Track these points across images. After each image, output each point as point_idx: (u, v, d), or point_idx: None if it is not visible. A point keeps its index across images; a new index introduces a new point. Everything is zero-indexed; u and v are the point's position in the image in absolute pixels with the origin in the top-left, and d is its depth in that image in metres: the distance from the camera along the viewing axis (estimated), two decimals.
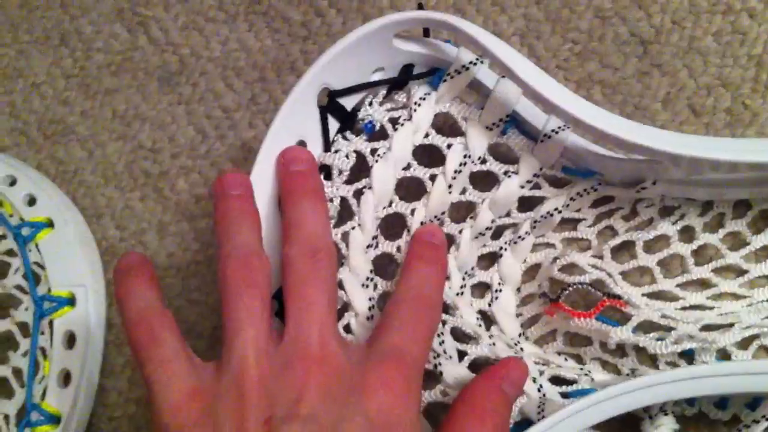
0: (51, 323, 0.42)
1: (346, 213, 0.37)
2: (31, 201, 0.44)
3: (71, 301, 0.42)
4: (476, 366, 0.36)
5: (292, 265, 0.33)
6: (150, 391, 0.31)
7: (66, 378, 0.42)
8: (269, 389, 0.30)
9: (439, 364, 0.34)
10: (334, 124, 0.37)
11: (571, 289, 0.37)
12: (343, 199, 0.37)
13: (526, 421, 0.34)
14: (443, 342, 0.35)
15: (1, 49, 0.51)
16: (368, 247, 0.37)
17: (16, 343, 0.42)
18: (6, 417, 0.42)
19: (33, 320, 0.42)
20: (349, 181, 0.37)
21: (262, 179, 0.35)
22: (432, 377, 0.35)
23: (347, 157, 0.37)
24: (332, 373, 0.30)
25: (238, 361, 0.30)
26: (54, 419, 0.41)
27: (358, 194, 0.37)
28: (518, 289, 0.40)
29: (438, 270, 0.36)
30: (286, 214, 0.35)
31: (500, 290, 0.39)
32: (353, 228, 0.36)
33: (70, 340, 0.42)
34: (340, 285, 0.36)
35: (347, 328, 0.36)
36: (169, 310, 0.33)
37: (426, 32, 0.37)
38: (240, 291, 0.32)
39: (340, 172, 0.36)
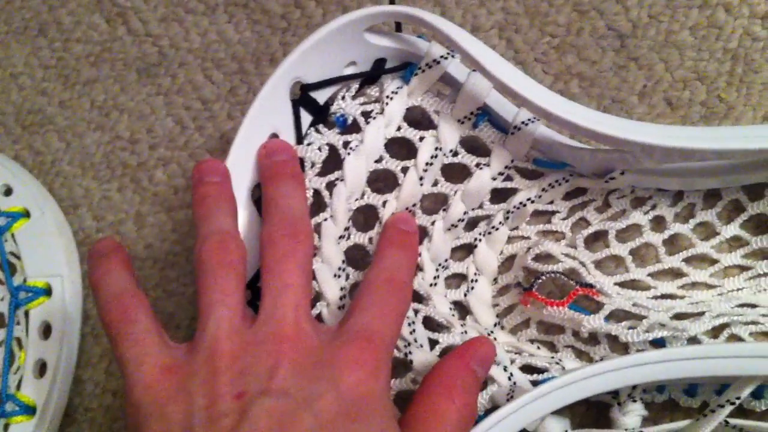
0: (27, 313, 0.42)
1: (318, 205, 0.37)
2: (8, 191, 0.44)
3: (47, 292, 0.42)
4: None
5: (273, 244, 0.33)
6: (123, 369, 0.31)
7: (42, 368, 0.42)
8: (242, 365, 0.30)
9: (410, 352, 0.35)
10: (307, 118, 0.37)
11: (544, 278, 0.37)
12: (316, 191, 0.37)
13: (496, 409, 0.34)
14: (414, 331, 0.36)
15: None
16: (340, 238, 0.37)
17: None
18: None
19: (8, 310, 0.42)
20: (321, 174, 0.37)
21: (236, 170, 0.36)
22: (402, 365, 0.35)
23: (320, 149, 0.37)
24: (305, 350, 0.31)
25: (211, 338, 0.31)
26: (29, 410, 0.41)
27: (330, 186, 0.37)
28: (495, 280, 0.40)
29: (409, 255, 0.36)
30: (268, 196, 0.35)
31: (476, 280, 0.39)
32: (325, 219, 0.37)
33: (46, 330, 0.42)
34: (313, 275, 0.36)
35: (319, 317, 0.36)
36: (143, 292, 0.34)
37: (398, 26, 0.38)
38: (215, 271, 0.32)
39: (313, 165, 0.37)
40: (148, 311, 0.33)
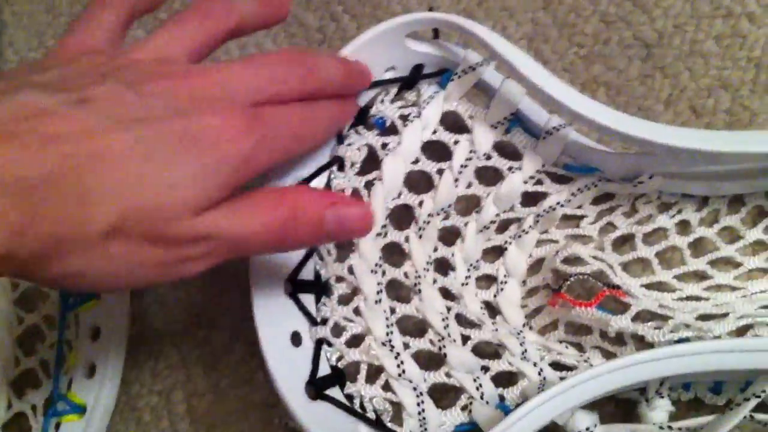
0: (77, 317, 0.43)
1: None
2: None
3: (96, 295, 0.43)
4: (479, 350, 0.37)
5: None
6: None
7: (91, 369, 0.43)
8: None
9: (444, 346, 0.36)
10: None
11: (572, 279, 0.38)
12: (355, 190, 0.38)
13: None
14: (447, 326, 0.37)
15: (27, 54, 0.53)
16: (377, 235, 0.39)
17: (43, 335, 0.44)
18: (33, 407, 0.43)
19: (59, 313, 0.43)
20: (360, 173, 0.39)
21: (279, 167, 0.37)
22: (437, 359, 0.37)
23: (359, 150, 0.38)
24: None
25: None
26: (80, 409, 0.42)
27: (368, 185, 0.39)
28: (523, 282, 0.41)
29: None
30: None
31: (506, 282, 0.40)
32: None
33: (95, 333, 0.43)
34: (350, 270, 0.37)
35: (357, 311, 0.37)
36: None
37: (436, 34, 0.39)
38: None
39: (353, 164, 0.38)
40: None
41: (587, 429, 0.34)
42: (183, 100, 0.29)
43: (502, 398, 0.36)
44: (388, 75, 0.39)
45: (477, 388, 0.36)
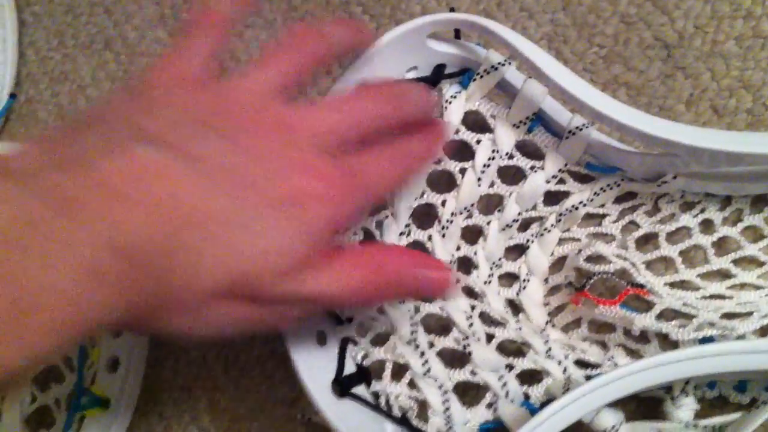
0: None
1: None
2: None
3: None
4: (503, 348, 0.37)
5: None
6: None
7: (114, 364, 0.43)
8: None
9: (468, 345, 0.36)
10: None
11: (596, 278, 0.39)
12: None
13: (552, 401, 0.35)
14: (472, 324, 0.37)
15: (48, 54, 0.54)
16: (401, 234, 0.39)
17: None
18: (57, 401, 0.43)
19: None
20: None
21: None
22: (461, 357, 0.37)
23: None
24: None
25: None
26: (103, 403, 0.42)
27: None
28: (546, 280, 0.41)
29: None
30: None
31: (528, 280, 0.41)
32: (387, 217, 0.38)
33: None
34: None
35: (381, 310, 0.38)
36: None
37: (457, 34, 0.39)
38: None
39: None
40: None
41: (612, 427, 0.34)
42: (280, 157, 0.30)
43: (526, 396, 0.36)
44: (410, 75, 0.39)
45: (502, 387, 0.36)
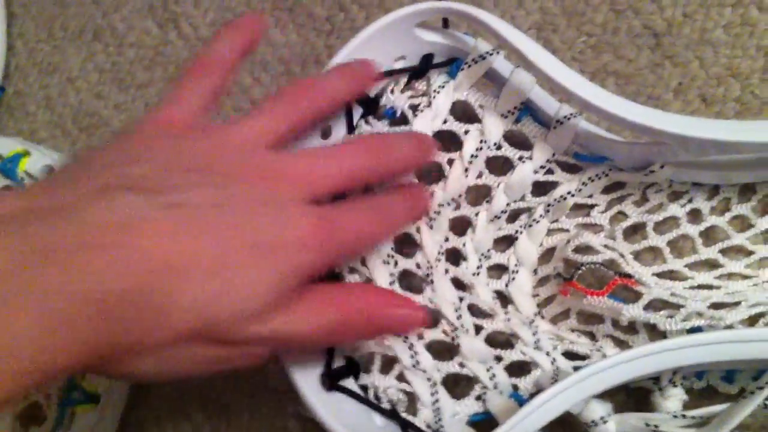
0: None
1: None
2: None
3: None
4: (492, 340, 0.37)
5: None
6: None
7: None
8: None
9: (457, 336, 0.36)
10: (357, 110, 0.39)
11: (584, 268, 0.39)
12: None
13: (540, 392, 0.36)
14: (460, 316, 0.37)
15: (37, 45, 0.53)
16: None
17: None
18: (48, 396, 0.43)
19: None
20: None
21: None
22: (450, 349, 0.37)
23: None
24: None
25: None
26: (93, 398, 0.42)
27: None
28: (535, 271, 0.41)
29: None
30: None
31: (517, 271, 0.41)
32: None
33: None
34: (363, 261, 0.37)
35: None
36: None
37: (445, 23, 0.39)
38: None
39: None
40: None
41: (601, 418, 0.34)
42: (262, 205, 0.30)
43: (515, 388, 0.36)
44: (398, 65, 0.39)
45: (490, 378, 0.36)
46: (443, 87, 0.39)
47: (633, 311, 0.37)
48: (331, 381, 0.35)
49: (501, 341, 0.38)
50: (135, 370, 0.28)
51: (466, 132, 0.39)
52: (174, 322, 0.27)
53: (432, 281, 0.39)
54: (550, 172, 0.40)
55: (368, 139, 0.36)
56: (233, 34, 0.36)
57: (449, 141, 0.40)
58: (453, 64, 0.39)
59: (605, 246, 0.39)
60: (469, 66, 0.38)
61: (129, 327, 0.26)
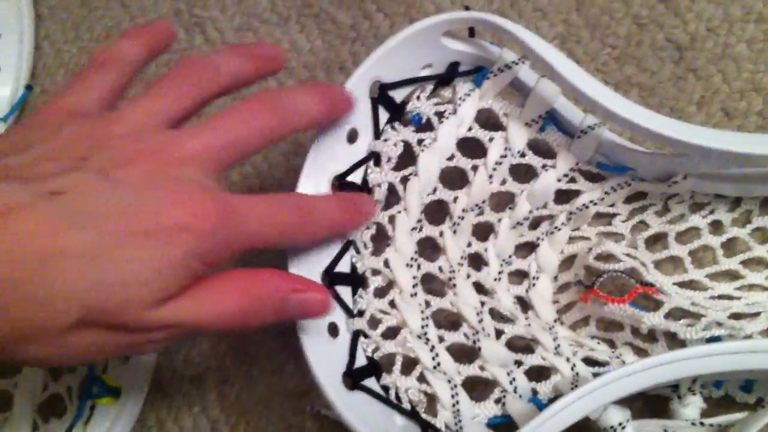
0: None
1: (393, 197, 0.39)
2: None
3: None
4: (512, 344, 0.38)
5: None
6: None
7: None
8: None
9: (478, 340, 0.37)
10: (384, 115, 0.39)
11: (605, 276, 0.39)
12: (391, 185, 0.39)
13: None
14: (482, 320, 0.38)
15: (64, 46, 0.54)
16: (413, 229, 0.39)
17: None
18: (69, 389, 0.44)
19: None
20: (396, 168, 0.39)
21: (317, 159, 0.38)
22: (470, 352, 0.37)
23: (395, 145, 0.39)
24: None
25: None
26: (114, 392, 0.43)
27: (404, 180, 0.39)
28: (555, 278, 0.41)
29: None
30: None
31: (537, 278, 0.41)
32: (399, 212, 0.39)
33: None
34: (386, 264, 0.38)
35: (392, 304, 0.38)
36: None
37: (471, 33, 0.40)
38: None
39: (389, 159, 0.39)
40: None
41: (619, 424, 0.34)
42: (152, 188, 0.29)
43: (534, 392, 0.36)
44: (425, 72, 0.40)
45: (510, 382, 0.36)
46: (469, 95, 0.39)
47: (654, 319, 0.37)
48: (353, 381, 0.35)
49: (521, 346, 0.38)
50: (32, 356, 0.28)
51: (491, 139, 0.40)
52: (58, 311, 0.27)
53: (454, 285, 0.39)
54: (572, 180, 0.40)
55: (263, 98, 0.34)
56: (137, 34, 0.37)
57: (474, 148, 0.40)
58: (479, 73, 0.39)
59: (627, 255, 0.39)
60: (495, 75, 0.39)
61: (13, 316, 0.26)
